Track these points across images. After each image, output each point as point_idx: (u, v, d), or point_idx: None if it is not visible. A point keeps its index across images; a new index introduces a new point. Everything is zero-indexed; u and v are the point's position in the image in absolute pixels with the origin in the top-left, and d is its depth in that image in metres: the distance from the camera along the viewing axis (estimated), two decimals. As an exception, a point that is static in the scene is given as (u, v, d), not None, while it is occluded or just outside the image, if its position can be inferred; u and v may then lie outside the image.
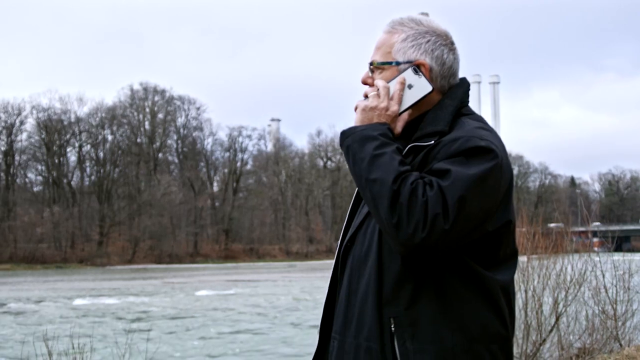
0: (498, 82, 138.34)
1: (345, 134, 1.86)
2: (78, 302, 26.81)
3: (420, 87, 1.87)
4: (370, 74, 1.98)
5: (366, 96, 1.92)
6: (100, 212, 77.35)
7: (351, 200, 2.06)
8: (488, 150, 1.71)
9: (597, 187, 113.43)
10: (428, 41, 1.92)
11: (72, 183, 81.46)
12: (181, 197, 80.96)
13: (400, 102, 1.88)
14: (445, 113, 1.86)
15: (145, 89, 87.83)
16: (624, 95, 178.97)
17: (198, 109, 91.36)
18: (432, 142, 1.79)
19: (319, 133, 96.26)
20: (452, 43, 1.96)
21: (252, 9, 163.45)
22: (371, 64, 1.97)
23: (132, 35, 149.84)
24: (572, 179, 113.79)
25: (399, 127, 1.90)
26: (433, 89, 1.88)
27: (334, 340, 1.91)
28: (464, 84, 1.97)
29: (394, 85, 1.89)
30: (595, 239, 10.74)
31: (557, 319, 7.11)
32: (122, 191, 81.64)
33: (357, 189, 1.96)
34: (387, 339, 1.76)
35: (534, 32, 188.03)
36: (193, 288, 34.47)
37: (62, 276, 51.05)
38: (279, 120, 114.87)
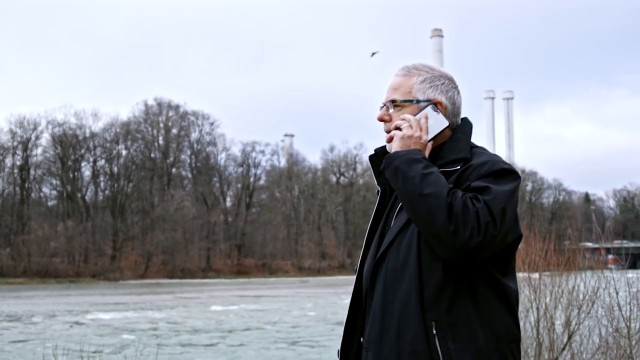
0: (512, 98, 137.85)
1: (391, 157, 2.12)
2: (90, 316, 26.86)
3: (439, 122, 2.19)
4: (387, 112, 2.27)
5: (397, 128, 2.19)
6: (113, 227, 77.67)
7: (369, 218, 2.30)
8: (512, 172, 2.06)
9: (612, 203, 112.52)
10: (443, 83, 2.25)
11: (86, 197, 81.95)
12: (194, 212, 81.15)
13: (427, 133, 2.18)
14: (463, 144, 2.20)
15: (160, 104, 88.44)
16: (638, 112, 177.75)
17: (212, 124, 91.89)
18: (458, 167, 2.10)
19: (332, 149, 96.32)
20: (458, 86, 2.30)
21: (268, 25, 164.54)
22: (393, 101, 2.26)
23: (147, 51, 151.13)
24: (587, 195, 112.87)
25: (426, 154, 2.17)
26: (449, 124, 2.20)
27: (367, 351, 2.10)
28: (469, 123, 2.30)
29: (421, 119, 2.19)
30: (610, 256, 10.63)
31: (570, 337, 7.03)
32: (135, 206, 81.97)
33: (374, 210, 2.28)
34: (431, 340, 1.98)
35: (546, 48, 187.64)
36: (206, 303, 34.45)
37: (75, 290, 51.23)
38: (292, 135, 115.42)
